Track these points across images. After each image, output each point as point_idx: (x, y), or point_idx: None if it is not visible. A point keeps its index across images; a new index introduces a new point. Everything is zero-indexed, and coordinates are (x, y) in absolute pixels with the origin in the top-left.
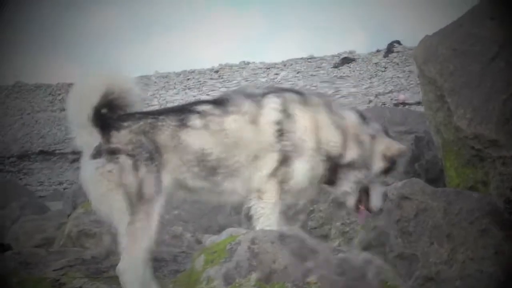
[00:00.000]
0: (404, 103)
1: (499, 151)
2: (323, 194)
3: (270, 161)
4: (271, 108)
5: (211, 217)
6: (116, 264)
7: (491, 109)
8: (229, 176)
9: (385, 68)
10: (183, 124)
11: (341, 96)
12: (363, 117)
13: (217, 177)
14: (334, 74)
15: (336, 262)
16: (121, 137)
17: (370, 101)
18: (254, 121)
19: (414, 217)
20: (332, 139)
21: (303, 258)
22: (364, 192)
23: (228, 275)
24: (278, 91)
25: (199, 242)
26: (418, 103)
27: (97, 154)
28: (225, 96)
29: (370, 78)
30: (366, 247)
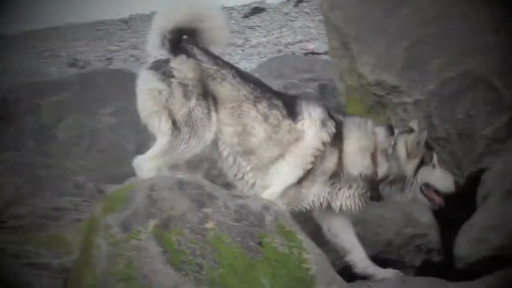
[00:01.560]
0: (313, 53)
1: (400, 97)
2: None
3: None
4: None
5: (116, 167)
6: (19, 214)
7: (394, 55)
8: (256, 169)
9: (295, 17)
10: (251, 99)
11: (251, 46)
12: (390, 129)
13: (246, 163)
14: (244, 24)
15: (234, 208)
16: (186, 64)
17: (279, 51)
18: (303, 131)
19: None
20: (363, 163)
21: (201, 204)
22: (424, 185)
23: (126, 222)
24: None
25: (101, 191)
26: (327, 52)
27: (155, 67)
28: (297, 100)
29: (280, 28)
30: None
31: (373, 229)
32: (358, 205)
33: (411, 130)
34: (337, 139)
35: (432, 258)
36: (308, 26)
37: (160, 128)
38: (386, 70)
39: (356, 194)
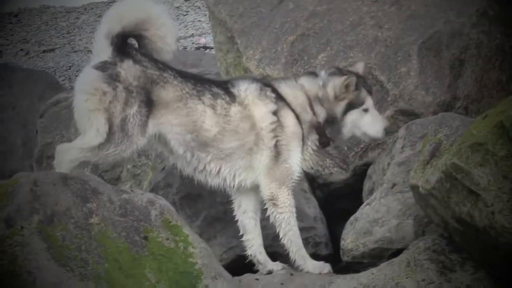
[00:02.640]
0: (205, 47)
1: None
2: None
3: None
4: (268, 97)
5: (2, 162)
6: None
7: (279, 50)
8: (218, 159)
9: (187, 12)
10: (196, 95)
11: None
12: (314, 73)
13: (205, 154)
14: None
15: (119, 203)
16: (132, 71)
17: None
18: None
19: None
20: (307, 117)
21: (86, 199)
22: None
23: (9, 218)
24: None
25: None
26: None
27: (102, 68)
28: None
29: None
30: (155, 189)
31: (260, 223)
32: (316, 160)
33: (341, 72)
34: (280, 101)
35: (319, 251)
36: (200, 21)
37: (95, 127)
38: (271, 64)
39: (312, 147)
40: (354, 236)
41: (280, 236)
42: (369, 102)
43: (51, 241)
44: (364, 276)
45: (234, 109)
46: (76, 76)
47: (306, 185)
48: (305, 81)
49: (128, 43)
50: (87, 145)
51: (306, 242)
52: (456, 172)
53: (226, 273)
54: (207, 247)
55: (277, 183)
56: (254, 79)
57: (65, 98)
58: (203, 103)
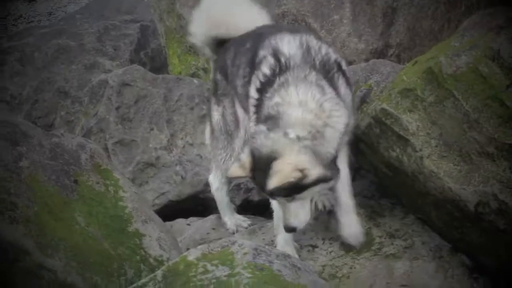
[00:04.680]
0: None
1: None
2: (48, 83)
3: None
4: None
5: None
6: None
7: None
8: None
9: None
10: None
11: None
12: None
13: None
14: None
15: (49, 146)
16: None
17: None
18: None
19: (135, 103)
20: None
21: (15, 142)
22: None
23: None
24: None
25: None
26: None
27: None
28: None
29: None
30: (87, 134)
31: (193, 169)
32: None
33: None
34: None
35: (251, 197)
36: None
37: None
38: None
39: None
40: None
41: None
42: None
43: None
44: None
45: None
46: (12, 25)
47: None
48: None
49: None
50: None
51: (238, 188)
52: (386, 117)
53: (157, 218)
54: (137, 191)
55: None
56: None
57: None
58: None
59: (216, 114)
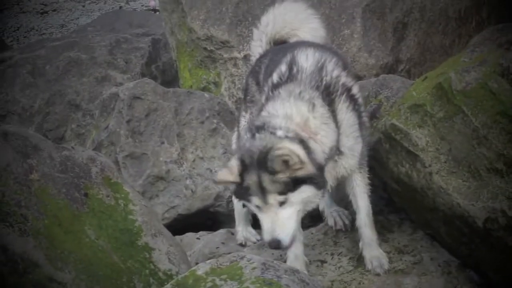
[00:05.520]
0: (154, 10)
1: (230, 53)
2: (59, 96)
3: None
4: None
5: None
6: None
7: (223, 10)
8: None
9: None
10: None
11: (91, 1)
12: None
13: None
14: None
15: (59, 159)
16: None
17: (120, 7)
18: None
19: (145, 117)
20: None
21: (26, 155)
22: None
23: None
24: None
25: None
26: None
27: None
28: None
29: None
30: (98, 147)
31: (203, 183)
32: None
33: None
34: None
35: None
36: None
37: None
38: (216, 25)
39: None
40: None
41: None
42: (255, 201)
43: None
44: (303, 236)
45: None
46: (24, 37)
47: None
48: None
49: None
50: None
51: None
52: (395, 133)
53: (166, 231)
54: (147, 205)
55: None
56: None
57: (10, 57)
58: None
59: (243, 120)
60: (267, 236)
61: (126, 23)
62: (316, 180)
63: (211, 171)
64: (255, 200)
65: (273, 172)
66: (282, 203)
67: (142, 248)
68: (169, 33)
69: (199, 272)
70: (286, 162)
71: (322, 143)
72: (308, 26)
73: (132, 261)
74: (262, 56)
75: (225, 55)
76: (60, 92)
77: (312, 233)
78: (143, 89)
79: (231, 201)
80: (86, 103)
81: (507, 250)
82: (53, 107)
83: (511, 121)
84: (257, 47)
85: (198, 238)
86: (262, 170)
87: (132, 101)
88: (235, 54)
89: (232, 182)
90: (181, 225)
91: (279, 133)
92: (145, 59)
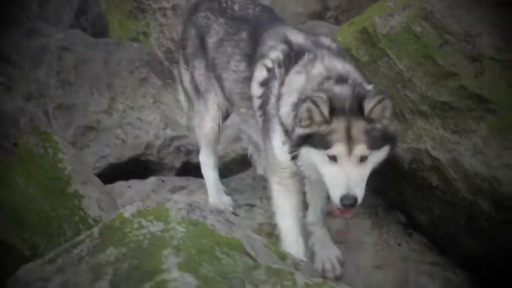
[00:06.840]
0: None
1: (159, 3)
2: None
3: None
4: None
5: None
6: None
7: None
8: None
9: None
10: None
11: None
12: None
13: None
14: None
15: None
16: None
17: None
18: None
19: (75, 68)
20: None
21: None
22: None
23: None
24: None
25: None
26: None
27: None
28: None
29: None
30: (28, 99)
31: (133, 132)
32: None
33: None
34: None
35: (191, 159)
36: None
37: None
38: None
39: None
40: (224, 143)
41: None
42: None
43: None
44: (233, 181)
45: None
46: None
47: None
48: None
49: None
50: None
51: (178, 150)
52: None
53: (96, 179)
54: (76, 153)
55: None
56: None
57: None
58: None
59: (186, 74)
60: (342, 189)
61: None
62: (395, 142)
63: (141, 120)
64: (338, 148)
65: (369, 120)
66: (363, 159)
67: (72, 196)
68: None
69: (126, 215)
70: (383, 111)
71: None
72: None
73: (62, 208)
74: (201, 10)
75: (154, 5)
76: None
77: (241, 178)
78: (72, 40)
79: (162, 150)
80: (16, 55)
81: (432, 190)
82: None
83: (434, 64)
84: None
85: (129, 187)
86: (356, 116)
87: (61, 52)
88: (164, 4)
89: (318, 121)
90: (112, 174)
91: (365, 85)
92: (74, 11)
